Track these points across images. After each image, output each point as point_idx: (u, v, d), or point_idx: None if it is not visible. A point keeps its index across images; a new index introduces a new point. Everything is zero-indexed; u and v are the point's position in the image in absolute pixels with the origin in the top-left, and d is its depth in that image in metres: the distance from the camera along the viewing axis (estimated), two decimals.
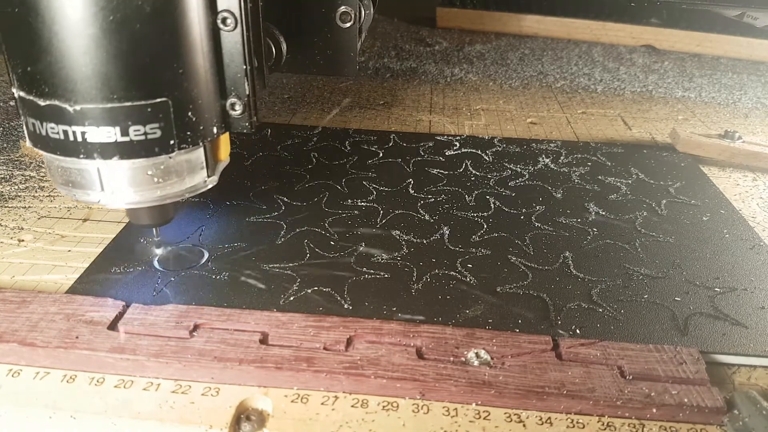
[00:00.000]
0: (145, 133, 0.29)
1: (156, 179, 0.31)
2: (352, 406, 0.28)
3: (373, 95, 0.70)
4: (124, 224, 0.41)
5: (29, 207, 0.44)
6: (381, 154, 0.53)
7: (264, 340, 0.30)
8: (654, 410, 0.27)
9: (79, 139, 0.28)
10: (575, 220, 0.44)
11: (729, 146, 0.54)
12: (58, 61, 0.27)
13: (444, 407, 0.28)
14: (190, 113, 0.30)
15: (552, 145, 0.57)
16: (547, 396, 0.28)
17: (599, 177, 0.51)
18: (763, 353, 0.32)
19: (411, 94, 0.71)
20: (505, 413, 0.28)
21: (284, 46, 0.38)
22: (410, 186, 0.48)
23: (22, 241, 0.40)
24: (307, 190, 0.47)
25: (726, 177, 0.53)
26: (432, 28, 1.05)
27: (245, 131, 0.33)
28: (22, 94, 0.28)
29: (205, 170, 0.33)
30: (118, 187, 0.30)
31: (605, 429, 0.27)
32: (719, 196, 0.48)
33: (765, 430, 0.27)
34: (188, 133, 0.30)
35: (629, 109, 0.69)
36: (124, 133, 0.28)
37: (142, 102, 0.28)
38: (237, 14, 0.30)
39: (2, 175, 0.48)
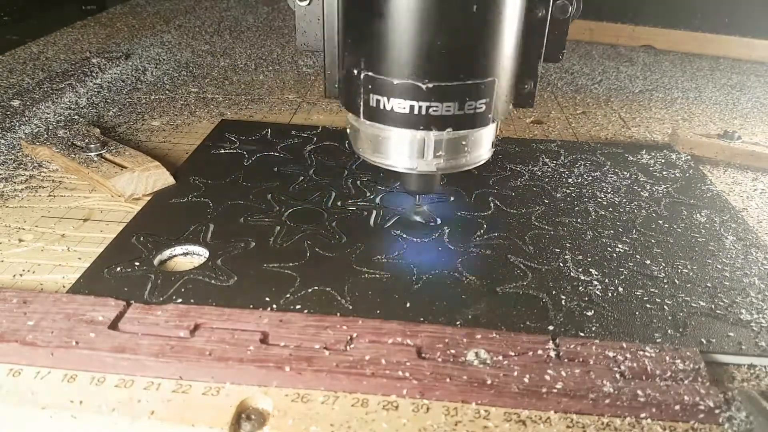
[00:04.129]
0: (475, 108, 0.34)
1: (466, 149, 0.36)
2: (353, 406, 0.28)
3: None
4: (125, 224, 0.41)
5: (30, 206, 0.44)
6: None
7: (264, 340, 0.30)
8: (653, 410, 0.27)
9: (423, 112, 0.33)
10: (575, 219, 0.44)
11: (728, 146, 0.54)
12: (417, 49, 0.32)
13: (444, 407, 0.28)
14: (504, 92, 0.35)
15: (552, 144, 0.57)
16: (546, 395, 0.28)
17: (599, 177, 0.51)
18: (762, 353, 0.32)
19: None
20: (505, 413, 0.28)
21: None
22: None
23: (23, 240, 0.40)
24: (307, 190, 0.47)
25: (725, 177, 0.53)
26: None
27: (528, 107, 0.38)
28: (370, 74, 0.34)
29: (491, 144, 0.38)
30: (437, 154, 0.35)
31: (605, 428, 0.27)
32: (718, 196, 0.48)
33: (764, 429, 0.27)
34: (498, 109, 0.35)
35: (629, 109, 0.69)
36: (461, 107, 0.33)
37: (479, 80, 0.33)
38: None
39: (3, 175, 0.48)
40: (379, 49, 0.33)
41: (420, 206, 0.44)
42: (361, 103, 0.35)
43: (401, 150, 0.36)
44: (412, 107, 0.33)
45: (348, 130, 0.39)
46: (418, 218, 0.43)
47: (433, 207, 0.45)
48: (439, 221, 0.43)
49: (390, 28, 0.32)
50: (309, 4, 0.36)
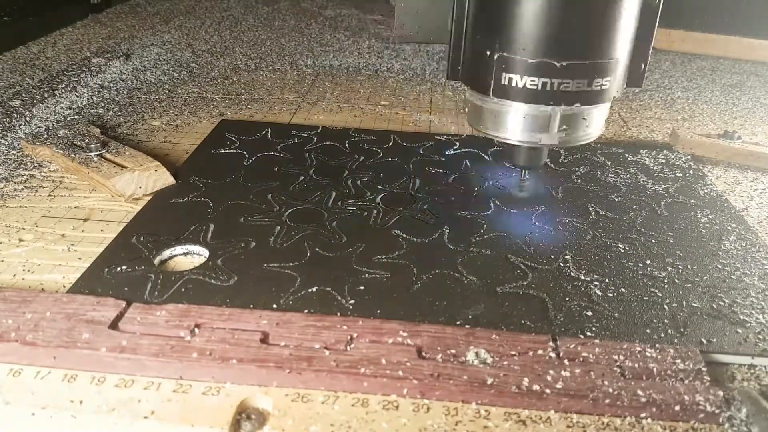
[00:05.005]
0: (601, 85, 0.37)
1: (586, 124, 0.39)
2: (353, 406, 0.28)
3: (373, 95, 0.70)
4: (125, 224, 0.41)
5: (30, 206, 0.44)
6: (381, 154, 0.53)
7: (265, 340, 0.30)
8: (653, 409, 0.27)
9: (555, 89, 0.36)
10: (575, 219, 0.44)
11: (728, 146, 0.54)
12: (552, 30, 0.36)
13: (444, 406, 0.28)
14: (622, 71, 0.39)
15: None
16: (546, 395, 0.28)
17: (599, 177, 0.51)
18: (762, 353, 0.32)
19: (411, 94, 0.72)
20: (505, 413, 0.28)
21: None
22: (410, 186, 0.48)
23: (23, 240, 0.40)
24: (307, 190, 0.47)
25: (725, 177, 0.53)
26: None
27: (638, 87, 0.40)
28: (504, 54, 0.37)
29: (604, 120, 0.40)
30: (561, 128, 0.38)
31: (605, 428, 0.27)
32: (718, 196, 0.48)
33: (764, 429, 0.27)
34: (616, 88, 0.39)
35: (629, 109, 0.69)
36: (590, 84, 0.36)
37: (606, 60, 0.36)
38: None
39: (3, 175, 0.48)
40: (514, 32, 0.36)
41: (525, 180, 0.47)
42: (492, 82, 0.38)
43: (527, 124, 0.39)
44: (544, 84, 0.36)
45: (466, 110, 0.41)
46: (523, 193, 0.46)
47: (436, 208, 0.45)
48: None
49: (525, 13, 0.36)
50: None
